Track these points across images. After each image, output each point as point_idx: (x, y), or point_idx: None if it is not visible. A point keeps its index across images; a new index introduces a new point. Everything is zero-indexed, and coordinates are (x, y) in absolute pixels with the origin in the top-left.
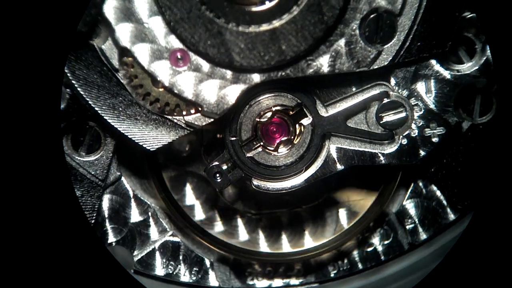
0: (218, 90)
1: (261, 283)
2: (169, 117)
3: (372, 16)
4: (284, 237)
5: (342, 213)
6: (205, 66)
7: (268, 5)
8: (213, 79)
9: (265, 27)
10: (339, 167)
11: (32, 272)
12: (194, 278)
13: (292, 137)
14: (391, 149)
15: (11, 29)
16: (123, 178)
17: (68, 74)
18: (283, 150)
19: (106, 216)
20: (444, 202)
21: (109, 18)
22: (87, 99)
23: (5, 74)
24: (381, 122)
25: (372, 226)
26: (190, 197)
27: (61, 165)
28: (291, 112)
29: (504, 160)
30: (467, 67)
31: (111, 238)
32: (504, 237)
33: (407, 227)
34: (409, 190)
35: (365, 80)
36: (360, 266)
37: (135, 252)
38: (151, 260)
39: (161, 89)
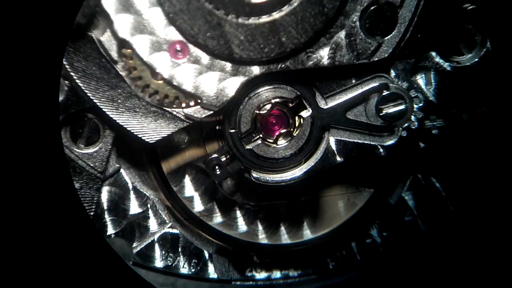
0: (217, 82)
1: (260, 275)
2: (168, 109)
3: (372, 8)
4: (282, 229)
5: (341, 205)
6: (205, 58)
7: None
8: (213, 71)
9: (265, 19)
10: (339, 159)
11: (31, 263)
12: (193, 269)
13: (292, 129)
14: (390, 141)
15: (9, 21)
16: (122, 170)
17: (67, 66)
18: (282, 142)
19: (105, 208)
20: (443, 194)
21: (107, 10)
22: (86, 91)
23: (3, 66)
24: (380, 114)
25: (370, 218)
26: (189, 189)
27: (60, 157)
28: (290, 104)
29: (504, 152)
30: (467, 58)
31: (110, 230)
32: (504, 229)
33: (406, 219)
34: (408, 182)
35: (365, 72)
36: (358, 257)
37: (134, 244)
38: (150, 252)
39: (160, 81)
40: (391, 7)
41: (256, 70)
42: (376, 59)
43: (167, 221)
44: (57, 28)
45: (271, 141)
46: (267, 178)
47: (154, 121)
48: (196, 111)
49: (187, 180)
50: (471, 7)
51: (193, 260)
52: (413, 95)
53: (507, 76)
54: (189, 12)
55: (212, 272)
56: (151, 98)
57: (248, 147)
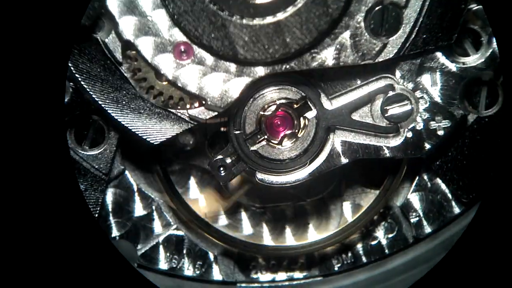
0: (222, 84)
1: (265, 277)
2: (173, 110)
3: (377, 8)
4: (288, 231)
5: (347, 206)
6: (209, 59)
7: None
8: (217, 72)
9: (269, 19)
10: (344, 160)
11: (37, 266)
12: (198, 272)
13: (296, 131)
14: (396, 142)
15: (15, 23)
16: (127, 172)
17: (72, 68)
18: (287, 143)
19: (110, 210)
20: (449, 195)
21: (112, 11)
22: (91, 93)
23: (9, 69)
24: (386, 115)
25: (376, 220)
26: (194, 191)
27: (65, 159)
28: (295, 105)
29: (510, 153)
30: (473, 59)
31: (115, 232)
32: (509, 231)
33: (412, 220)
34: (414, 183)
35: (370, 73)
36: (364, 259)
37: (139, 246)
38: (155, 254)
39: (164, 83)
40: (396, 7)
41: (260, 71)
42: (381, 59)
43: (172, 223)
44: (63, 30)
45: (276, 142)
46: (272, 180)
47: (158, 122)
48: (200, 112)
49: (192, 182)
50: (476, 7)
51: (198, 262)
52: (418, 96)
53: None
54: (193, 13)
55: (216, 274)
56: (156, 100)
57: (253, 148)
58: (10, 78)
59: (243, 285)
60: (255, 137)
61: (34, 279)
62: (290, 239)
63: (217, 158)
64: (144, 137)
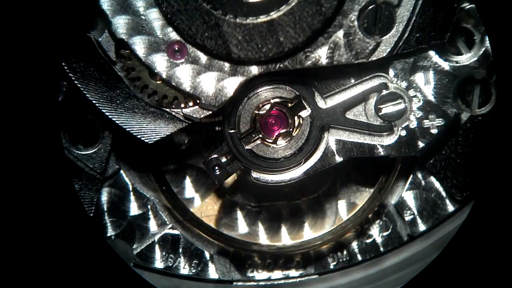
0: (216, 83)
1: (260, 275)
2: (167, 109)
3: (370, 7)
4: (283, 229)
5: (341, 205)
6: (203, 58)
7: None
8: (211, 72)
9: (262, 18)
10: (338, 159)
11: (32, 265)
12: (194, 270)
13: (291, 129)
14: (390, 140)
15: (8, 23)
16: (122, 171)
17: (66, 67)
18: (282, 142)
19: (105, 209)
20: (443, 193)
21: (105, 10)
22: (85, 92)
23: (3, 68)
24: (380, 114)
25: (371, 218)
26: (189, 190)
27: (60, 159)
28: (289, 104)
29: (503, 152)
30: (466, 58)
31: (110, 232)
32: (503, 229)
33: (406, 218)
34: (408, 182)
35: (363, 72)
36: (359, 257)
37: (135, 245)
38: (150, 253)
39: (159, 82)
40: (389, 6)
41: (254, 70)
42: (375, 58)
43: (167, 222)
44: (56, 30)
45: (270, 141)
46: (267, 179)
47: (153, 121)
48: (195, 112)
49: (188, 181)
50: (469, 6)
51: (194, 261)
52: (412, 95)
53: (507, 75)
54: (187, 13)
55: (213, 272)
56: (150, 99)
57: (247, 147)
58: (3, 78)
59: (239, 283)
60: (249, 136)
61: (30, 279)
62: (285, 237)
63: (212, 157)
64: (139, 136)
